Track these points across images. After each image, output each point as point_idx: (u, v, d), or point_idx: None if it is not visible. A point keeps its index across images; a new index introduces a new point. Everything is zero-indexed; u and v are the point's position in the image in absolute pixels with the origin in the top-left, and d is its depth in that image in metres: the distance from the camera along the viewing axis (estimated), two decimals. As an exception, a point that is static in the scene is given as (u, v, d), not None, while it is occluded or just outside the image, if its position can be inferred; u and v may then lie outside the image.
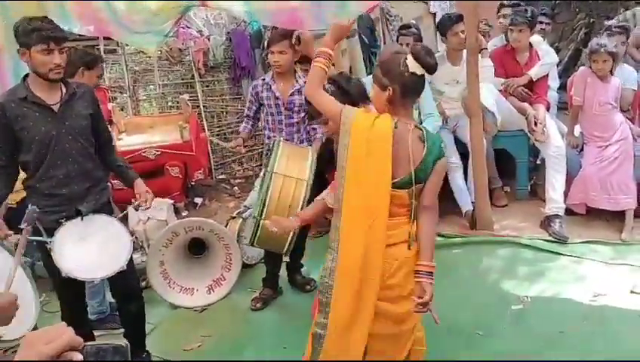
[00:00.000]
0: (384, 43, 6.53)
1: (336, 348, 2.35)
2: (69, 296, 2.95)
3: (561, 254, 4.03)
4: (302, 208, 2.88)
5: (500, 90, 4.76)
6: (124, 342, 1.27)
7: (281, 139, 3.30)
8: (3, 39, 3.47)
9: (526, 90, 4.71)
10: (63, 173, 2.76)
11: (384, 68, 2.33)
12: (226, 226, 4.09)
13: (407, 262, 2.33)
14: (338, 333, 2.34)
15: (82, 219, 2.78)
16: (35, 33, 2.58)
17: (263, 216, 2.89)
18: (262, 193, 2.97)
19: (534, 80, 4.74)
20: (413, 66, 2.25)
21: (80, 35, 5.96)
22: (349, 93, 2.68)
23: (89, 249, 2.77)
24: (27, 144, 2.69)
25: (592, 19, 7.36)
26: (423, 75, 2.30)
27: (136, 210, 3.24)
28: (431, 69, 2.30)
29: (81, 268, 2.72)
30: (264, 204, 2.93)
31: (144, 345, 3.18)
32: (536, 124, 4.50)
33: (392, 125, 2.26)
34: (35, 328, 2.33)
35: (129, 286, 3.02)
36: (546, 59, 4.83)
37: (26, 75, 2.75)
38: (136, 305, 3.09)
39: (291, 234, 2.89)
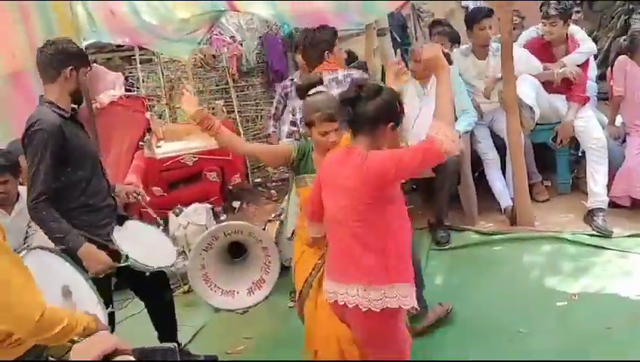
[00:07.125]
0: (416, 40, 6.49)
1: None
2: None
3: (606, 248, 3.90)
4: None
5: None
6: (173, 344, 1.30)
7: None
8: (27, 60, 3.52)
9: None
10: (104, 185, 2.82)
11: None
12: (264, 229, 4.13)
13: None
14: None
15: (121, 225, 2.84)
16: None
17: None
18: None
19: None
20: None
21: (117, 46, 6.10)
22: None
23: (142, 247, 2.83)
24: (80, 161, 2.66)
25: (631, 6, 7.11)
26: None
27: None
28: None
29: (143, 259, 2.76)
30: None
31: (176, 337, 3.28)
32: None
33: None
34: None
35: (165, 275, 3.19)
36: (582, 48, 4.68)
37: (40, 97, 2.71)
38: (170, 292, 3.29)
39: None
